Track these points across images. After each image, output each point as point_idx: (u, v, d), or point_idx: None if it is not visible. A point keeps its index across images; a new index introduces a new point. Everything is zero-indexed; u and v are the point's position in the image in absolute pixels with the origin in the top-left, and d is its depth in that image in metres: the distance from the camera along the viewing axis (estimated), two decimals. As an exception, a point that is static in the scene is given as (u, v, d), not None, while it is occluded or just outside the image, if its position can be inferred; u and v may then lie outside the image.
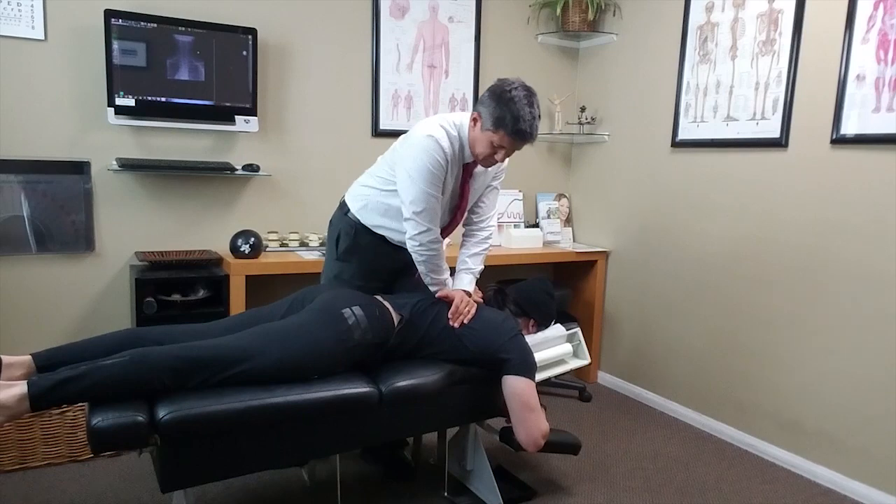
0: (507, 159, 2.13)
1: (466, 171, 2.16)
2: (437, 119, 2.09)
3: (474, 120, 2.03)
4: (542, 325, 2.38)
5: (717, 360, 3.03)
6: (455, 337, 2.07)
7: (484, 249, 2.35)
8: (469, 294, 2.21)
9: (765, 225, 2.80)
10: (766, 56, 2.77)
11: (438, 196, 2.06)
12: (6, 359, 1.68)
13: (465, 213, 2.30)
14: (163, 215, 2.92)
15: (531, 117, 1.96)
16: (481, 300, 2.26)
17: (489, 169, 2.22)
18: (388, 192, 2.16)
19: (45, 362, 1.72)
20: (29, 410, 1.55)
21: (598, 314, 3.65)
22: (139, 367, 1.63)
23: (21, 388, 1.54)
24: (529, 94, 1.98)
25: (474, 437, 2.32)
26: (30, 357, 1.72)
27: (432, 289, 2.17)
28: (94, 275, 2.80)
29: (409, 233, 2.08)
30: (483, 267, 2.36)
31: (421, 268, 2.15)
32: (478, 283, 2.33)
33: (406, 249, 2.15)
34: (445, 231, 2.25)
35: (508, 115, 1.94)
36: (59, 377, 1.58)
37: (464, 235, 2.39)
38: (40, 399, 1.56)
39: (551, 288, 2.43)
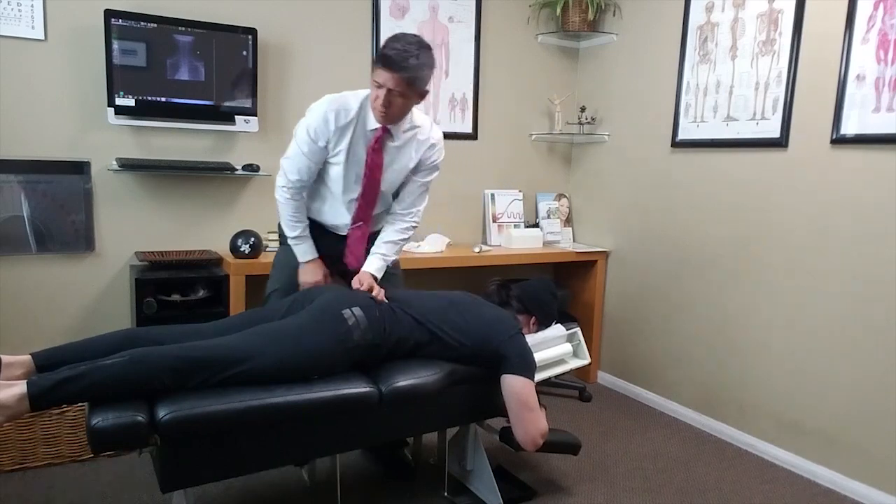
0: (438, 153, 2.26)
1: (376, 141, 2.15)
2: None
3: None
4: (543, 324, 2.38)
5: (717, 360, 3.03)
6: (430, 331, 2.05)
7: (402, 239, 2.35)
8: (376, 279, 2.21)
9: (765, 225, 2.80)
10: (766, 56, 2.77)
11: (309, 154, 2.15)
12: (6, 358, 1.68)
13: (381, 193, 2.26)
14: (163, 215, 2.92)
15: (402, 47, 1.96)
16: (382, 300, 2.10)
17: (413, 152, 2.24)
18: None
19: (45, 362, 1.72)
20: (29, 410, 1.55)
21: (598, 314, 3.65)
22: (139, 367, 1.63)
23: (21, 387, 1.54)
24: (414, 36, 2.02)
25: (474, 437, 2.32)
26: (29, 357, 1.72)
27: (291, 243, 2.28)
28: (94, 275, 2.80)
29: (277, 180, 2.24)
30: (396, 258, 2.39)
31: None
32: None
33: (340, 236, 2.29)
34: (361, 212, 2.26)
35: (384, 48, 1.99)
36: (58, 377, 1.58)
37: (385, 223, 2.38)
38: (40, 399, 1.56)
39: (555, 289, 2.43)
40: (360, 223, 2.29)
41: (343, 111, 2.10)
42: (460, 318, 2.09)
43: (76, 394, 1.60)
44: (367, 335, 1.91)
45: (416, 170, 2.29)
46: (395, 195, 2.34)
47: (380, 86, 2.00)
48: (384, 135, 2.15)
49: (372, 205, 2.26)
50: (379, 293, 2.09)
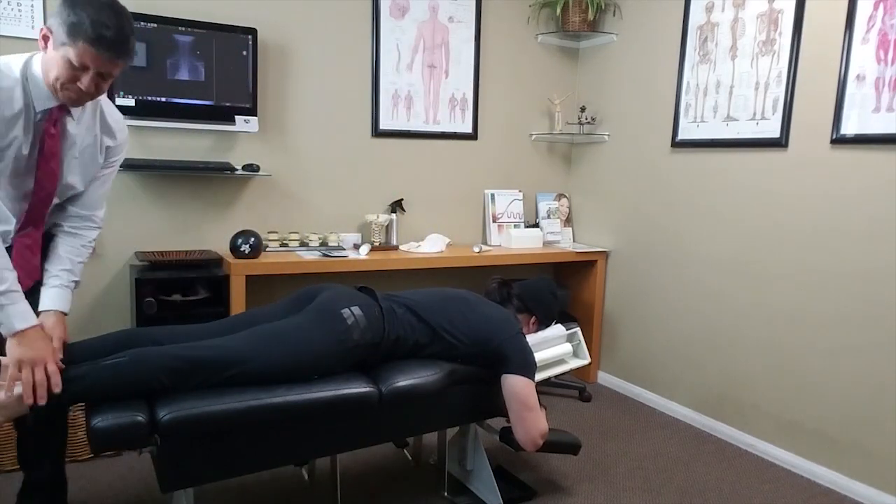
0: (125, 133, 1.81)
1: (50, 120, 1.62)
2: None
3: (45, 38, 1.54)
4: (544, 323, 2.38)
5: (717, 360, 3.03)
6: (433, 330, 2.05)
7: (88, 255, 1.85)
8: (65, 315, 1.70)
9: (764, 225, 2.80)
10: (766, 56, 2.77)
11: None
12: (5, 360, 1.68)
13: (62, 188, 1.73)
14: (163, 215, 2.92)
15: (116, 22, 1.50)
16: (61, 351, 1.63)
17: (99, 130, 1.76)
18: None
19: (44, 362, 1.70)
20: (28, 411, 1.55)
21: (598, 314, 3.65)
22: (139, 368, 1.63)
23: (20, 388, 1.54)
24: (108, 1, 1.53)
25: (474, 437, 2.32)
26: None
27: None
28: (94, 275, 2.80)
29: None
30: (80, 279, 1.82)
31: None
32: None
33: None
34: (34, 213, 1.69)
35: (87, 20, 1.47)
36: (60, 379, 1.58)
37: (61, 232, 1.81)
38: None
39: (556, 289, 2.43)
40: (31, 228, 1.71)
41: (7, 101, 1.54)
42: (461, 318, 2.08)
43: (77, 394, 1.61)
44: (366, 335, 1.91)
45: (107, 155, 1.81)
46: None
47: (84, 68, 1.51)
48: (62, 114, 1.64)
49: (48, 204, 1.71)
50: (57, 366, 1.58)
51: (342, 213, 3.30)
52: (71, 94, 1.56)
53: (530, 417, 2.04)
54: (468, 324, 2.08)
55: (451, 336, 2.05)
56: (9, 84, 1.55)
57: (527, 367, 2.06)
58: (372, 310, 1.96)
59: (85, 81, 1.53)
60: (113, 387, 1.61)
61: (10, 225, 1.66)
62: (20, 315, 1.56)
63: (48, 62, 1.54)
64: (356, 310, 1.91)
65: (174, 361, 1.67)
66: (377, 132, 3.33)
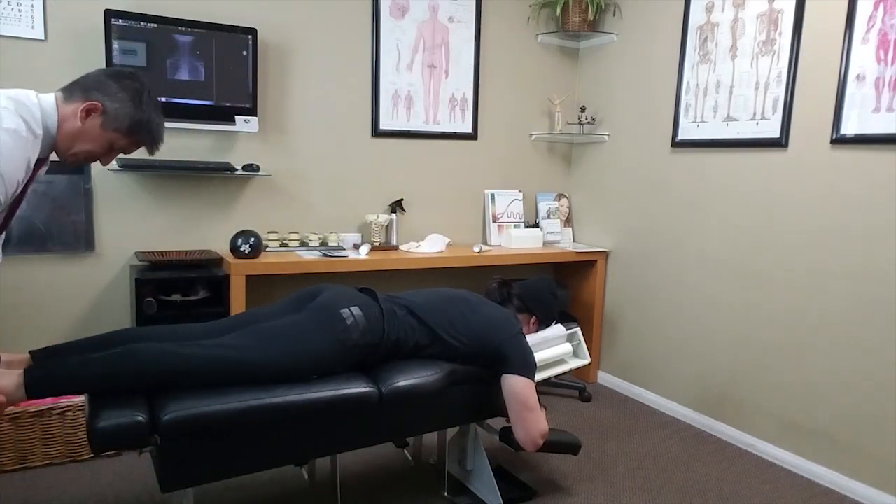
0: None
1: (36, 169, 1.61)
2: (8, 102, 1.47)
3: (90, 112, 1.56)
4: (544, 323, 2.38)
5: (716, 359, 3.04)
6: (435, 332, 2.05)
7: None
8: None
9: (764, 225, 2.80)
10: (766, 56, 2.77)
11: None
12: (5, 356, 1.69)
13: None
14: (163, 215, 2.92)
15: (159, 120, 1.66)
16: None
17: None
18: None
19: (44, 360, 1.72)
20: (25, 398, 1.56)
21: (598, 314, 3.65)
22: (135, 362, 1.63)
23: (18, 376, 1.55)
24: (153, 96, 1.65)
25: (474, 437, 2.32)
26: (28, 355, 1.73)
27: None
28: (94, 275, 2.80)
29: None
30: None
31: None
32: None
33: None
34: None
35: (150, 123, 1.62)
36: (55, 365, 1.60)
37: None
38: (36, 386, 1.56)
39: (556, 289, 2.43)
40: None
41: (33, 148, 1.52)
42: (461, 319, 2.09)
43: (72, 383, 1.61)
44: (366, 335, 1.91)
45: None
46: None
47: (122, 152, 1.65)
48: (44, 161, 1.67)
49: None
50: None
51: (342, 213, 3.30)
52: (82, 161, 1.64)
53: (530, 417, 2.04)
54: (468, 325, 2.08)
55: (451, 337, 2.05)
56: (38, 136, 1.54)
57: (527, 367, 2.06)
58: (372, 310, 1.96)
59: (109, 159, 1.65)
60: (109, 378, 1.61)
61: None
62: None
63: (84, 135, 1.58)
64: (356, 310, 1.91)
65: (171, 358, 1.67)
66: (377, 132, 3.33)
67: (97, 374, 1.61)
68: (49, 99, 1.57)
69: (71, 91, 1.59)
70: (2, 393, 1.53)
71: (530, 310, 2.35)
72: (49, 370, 1.60)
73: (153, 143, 1.66)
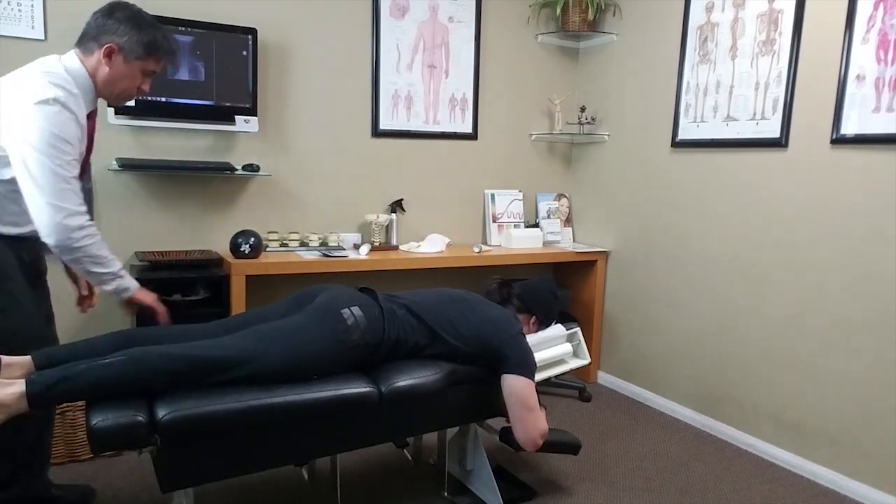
0: None
1: (91, 120, 1.87)
2: (39, 77, 1.74)
3: (110, 54, 1.79)
4: (544, 323, 2.38)
5: (717, 360, 3.04)
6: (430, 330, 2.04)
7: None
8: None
9: (764, 224, 2.80)
10: (766, 56, 2.77)
11: (75, 170, 1.75)
12: (5, 359, 1.68)
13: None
14: (163, 215, 2.92)
15: (169, 36, 1.92)
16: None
17: None
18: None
19: (45, 362, 1.71)
20: (27, 409, 1.56)
21: (598, 314, 3.66)
22: (137, 367, 1.63)
23: (19, 386, 1.54)
24: (145, 13, 1.87)
25: (474, 437, 2.32)
26: (29, 358, 1.72)
27: (110, 287, 1.89)
28: (94, 275, 2.80)
29: (51, 224, 1.71)
30: None
31: (81, 267, 1.82)
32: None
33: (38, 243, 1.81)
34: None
35: (159, 37, 1.85)
36: (56, 375, 1.58)
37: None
38: (38, 397, 1.56)
39: (556, 289, 2.43)
40: None
41: (77, 109, 1.75)
42: (461, 319, 2.08)
43: (74, 392, 1.60)
44: (366, 335, 1.91)
45: None
46: None
47: (152, 74, 1.89)
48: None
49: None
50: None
51: (342, 213, 3.30)
52: (127, 98, 1.90)
53: (530, 417, 2.04)
54: (468, 324, 2.08)
55: (451, 337, 2.05)
56: (76, 98, 1.76)
57: (527, 367, 2.06)
58: (372, 310, 1.96)
59: (147, 84, 1.89)
60: (111, 386, 1.61)
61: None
62: (131, 279, 1.97)
63: (117, 75, 1.82)
64: (356, 310, 1.91)
65: (173, 361, 1.67)
66: (377, 132, 3.33)
67: (101, 384, 1.60)
68: (73, 59, 1.80)
69: (84, 44, 1.81)
70: (3, 406, 1.52)
71: (530, 310, 2.35)
72: (51, 383, 1.57)
73: (170, 52, 1.90)
